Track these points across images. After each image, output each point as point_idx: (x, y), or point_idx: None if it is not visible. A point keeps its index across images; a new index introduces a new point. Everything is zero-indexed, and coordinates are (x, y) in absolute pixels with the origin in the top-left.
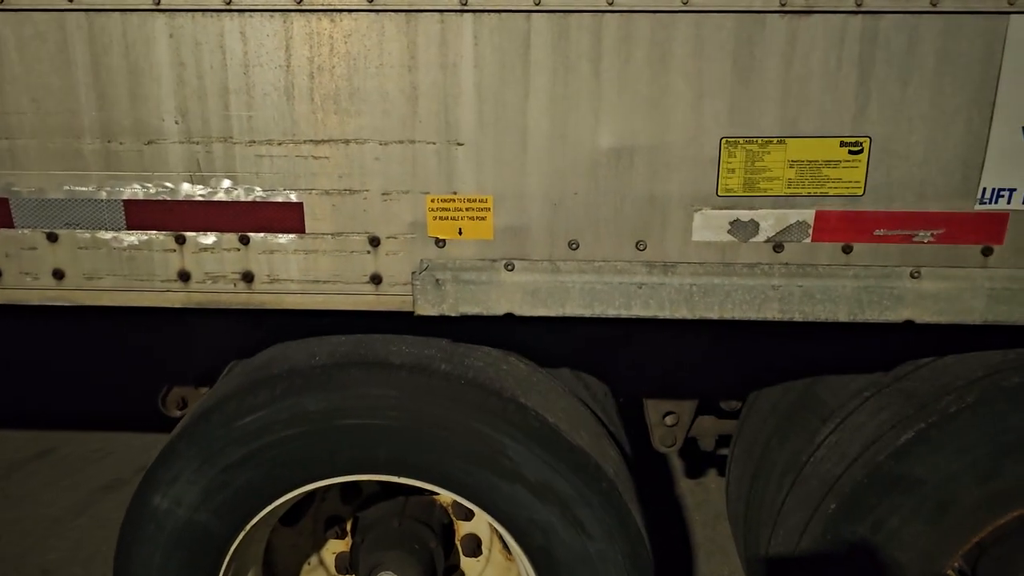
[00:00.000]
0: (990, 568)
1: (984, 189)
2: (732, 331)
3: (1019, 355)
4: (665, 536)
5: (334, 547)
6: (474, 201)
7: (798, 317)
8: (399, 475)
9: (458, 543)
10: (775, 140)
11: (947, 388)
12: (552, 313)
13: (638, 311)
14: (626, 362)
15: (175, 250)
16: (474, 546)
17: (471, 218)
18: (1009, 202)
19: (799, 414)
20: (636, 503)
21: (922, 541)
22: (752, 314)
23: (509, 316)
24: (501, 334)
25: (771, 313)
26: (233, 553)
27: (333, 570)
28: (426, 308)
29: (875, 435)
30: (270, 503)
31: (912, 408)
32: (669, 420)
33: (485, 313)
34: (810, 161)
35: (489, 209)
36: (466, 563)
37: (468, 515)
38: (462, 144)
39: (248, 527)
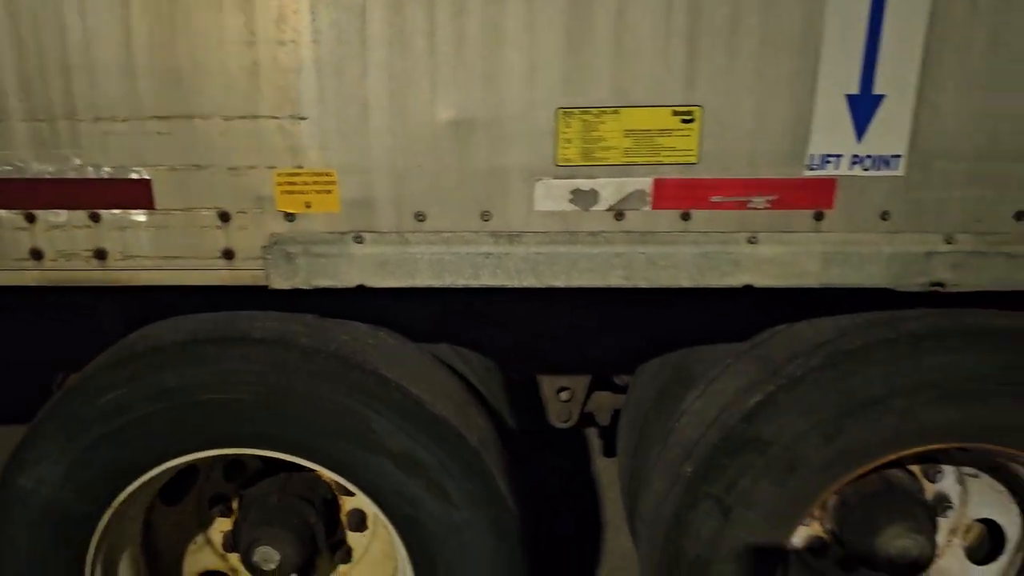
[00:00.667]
0: (853, 527)
1: (812, 156)
2: (619, 304)
3: (868, 319)
4: (578, 513)
5: (221, 525)
6: (320, 175)
7: (642, 284)
8: (264, 448)
9: (343, 518)
10: (609, 110)
11: (797, 352)
12: (402, 284)
13: (487, 280)
14: (514, 338)
15: (26, 228)
16: (358, 521)
17: (318, 192)
18: (836, 168)
19: (672, 385)
20: (502, 471)
21: (773, 500)
22: (598, 282)
23: (362, 288)
24: (376, 310)
25: (616, 280)
26: (103, 532)
27: (220, 549)
28: (279, 282)
29: (730, 400)
30: (135, 480)
31: (765, 373)
32: (564, 396)
33: (338, 285)
34: (644, 130)
35: (335, 183)
36: (352, 538)
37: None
38: (304, 119)
39: (115, 505)
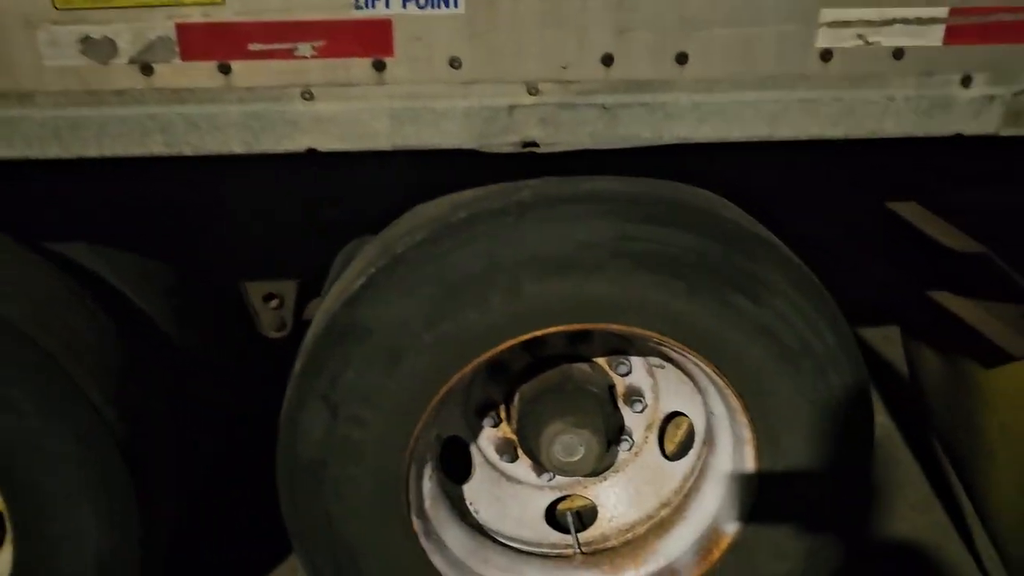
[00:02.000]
0: (524, 426)
1: None
2: (323, 199)
3: (493, 189)
4: None
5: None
6: None
7: (187, 151)
8: None
9: None
10: None
11: (411, 229)
12: None
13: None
14: (208, 242)
15: None
16: None
17: None
18: (388, 6)
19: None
20: (90, 377)
21: (381, 393)
22: (136, 149)
23: None
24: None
25: (157, 147)
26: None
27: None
28: None
29: (343, 287)
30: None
31: (377, 254)
32: (273, 304)
33: None
34: None
35: None
36: None
37: None
38: None
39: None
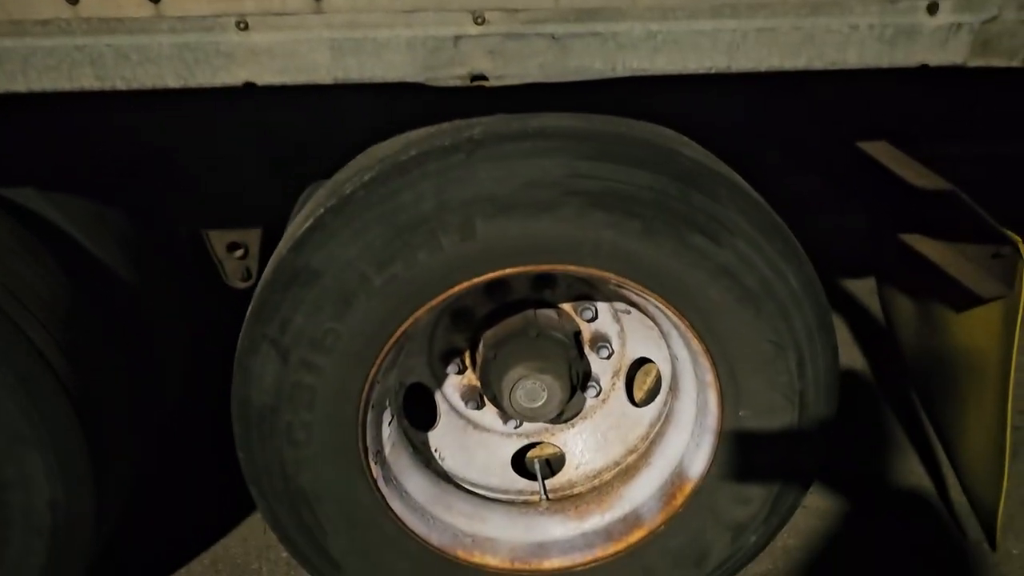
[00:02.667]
0: (486, 373)
1: None
2: (273, 144)
3: (446, 126)
4: None
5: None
6: None
7: (120, 85)
8: None
9: None
10: None
11: (360, 170)
12: None
13: None
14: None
15: None
16: None
17: None
18: None
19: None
20: (34, 321)
21: (332, 338)
22: (65, 83)
23: None
24: None
25: (87, 81)
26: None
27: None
28: None
29: (292, 231)
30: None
31: (327, 195)
32: (238, 253)
33: None
34: None
35: None
36: None
37: None
38: None
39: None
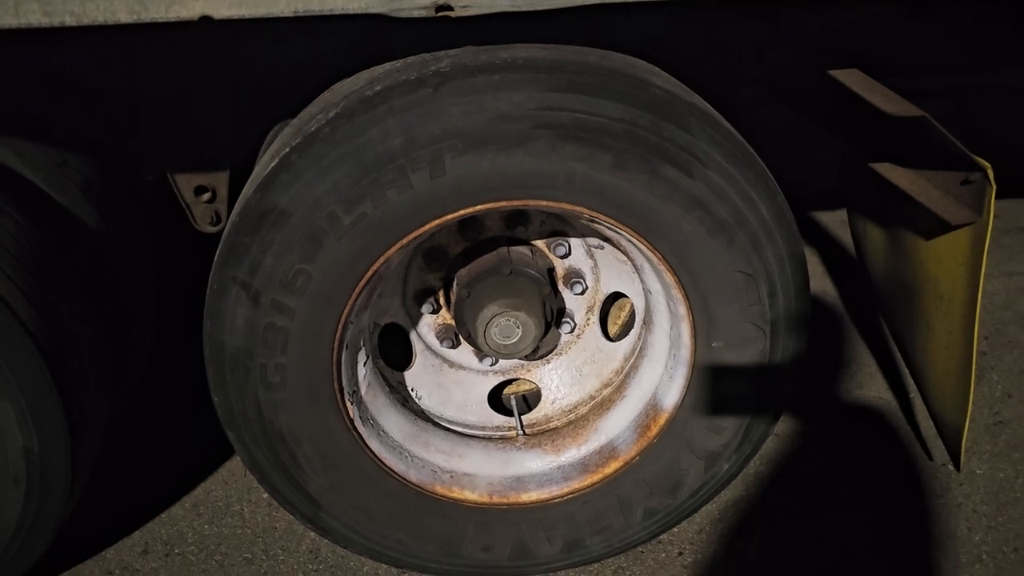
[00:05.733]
0: (460, 312)
1: None
2: (237, 83)
3: (412, 60)
4: None
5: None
6: None
7: (69, 20)
8: None
9: None
10: None
11: (325, 107)
12: None
13: None
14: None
15: None
16: None
17: None
18: None
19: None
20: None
21: (303, 279)
22: (10, 19)
23: None
24: None
25: (34, 16)
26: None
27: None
28: None
29: (258, 171)
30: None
31: (292, 134)
32: (205, 197)
33: None
34: None
35: None
36: None
37: None
38: None
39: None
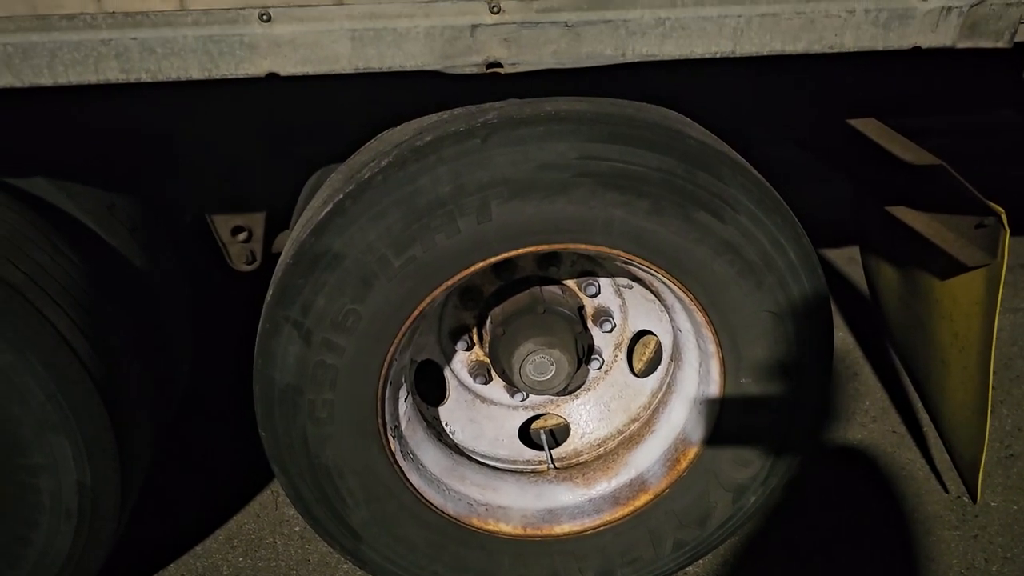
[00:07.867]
0: (495, 349)
1: None
2: (282, 127)
3: (458, 112)
4: None
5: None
6: None
7: (145, 77)
8: None
9: None
10: None
11: (377, 155)
12: None
13: None
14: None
15: None
16: None
17: None
18: None
19: (301, 209)
20: (57, 308)
21: (354, 319)
22: (91, 76)
23: None
24: None
25: (113, 74)
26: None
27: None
28: None
29: (310, 215)
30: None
31: (344, 181)
32: (242, 236)
33: None
34: None
35: None
36: None
37: None
38: None
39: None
